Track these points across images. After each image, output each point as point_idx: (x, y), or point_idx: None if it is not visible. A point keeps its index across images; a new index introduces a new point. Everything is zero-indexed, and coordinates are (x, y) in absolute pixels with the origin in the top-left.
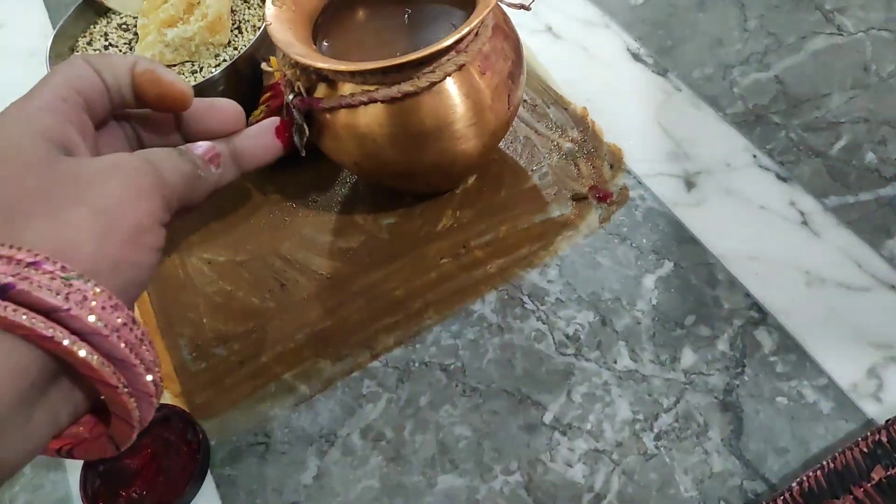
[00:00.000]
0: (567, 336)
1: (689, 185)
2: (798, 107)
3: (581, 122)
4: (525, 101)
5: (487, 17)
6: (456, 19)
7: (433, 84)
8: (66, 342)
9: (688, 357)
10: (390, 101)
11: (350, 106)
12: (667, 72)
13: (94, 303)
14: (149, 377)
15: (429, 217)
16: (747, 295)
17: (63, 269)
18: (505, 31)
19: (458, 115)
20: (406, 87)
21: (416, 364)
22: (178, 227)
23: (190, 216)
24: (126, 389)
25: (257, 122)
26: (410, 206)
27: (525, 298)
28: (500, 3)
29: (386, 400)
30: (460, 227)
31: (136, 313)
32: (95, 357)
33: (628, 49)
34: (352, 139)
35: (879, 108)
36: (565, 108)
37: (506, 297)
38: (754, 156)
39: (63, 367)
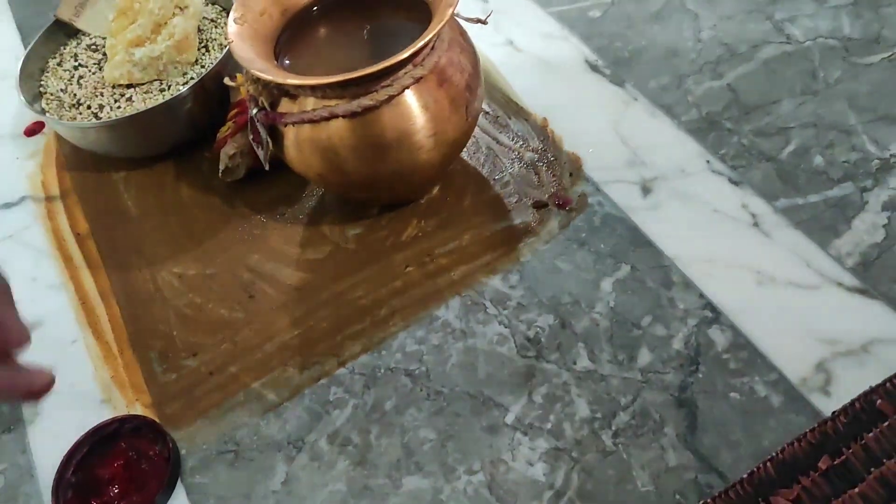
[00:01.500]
0: (528, 339)
1: (646, 190)
2: (749, 113)
3: (541, 132)
4: (487, 112)
5: (443, 31)
6: (414, 34)
7: (392, 97)
8: None
9: (644, 356)
10: (351, 114)
11: (312, 121)
12: (624, 82)
13: None
14: None
15: (394, 227)
16: (701, 296)
17: None
18: (461, 44)
19: (417, 127)
20: (365, 100)
21: (382, 370)
22: (148, 242)
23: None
24: None
25: (223, 137)
26: (376, 217)
27: (488, 304)
28: (456, 18)
29: (352, 406)
30: (425, 235)
31: (107, 327)
32: None
33: (587, 61)
34: (315, 152)
35: (827, 113)
36: (526, 119)
37: (469, 302)
38: (708, 161)
39: None
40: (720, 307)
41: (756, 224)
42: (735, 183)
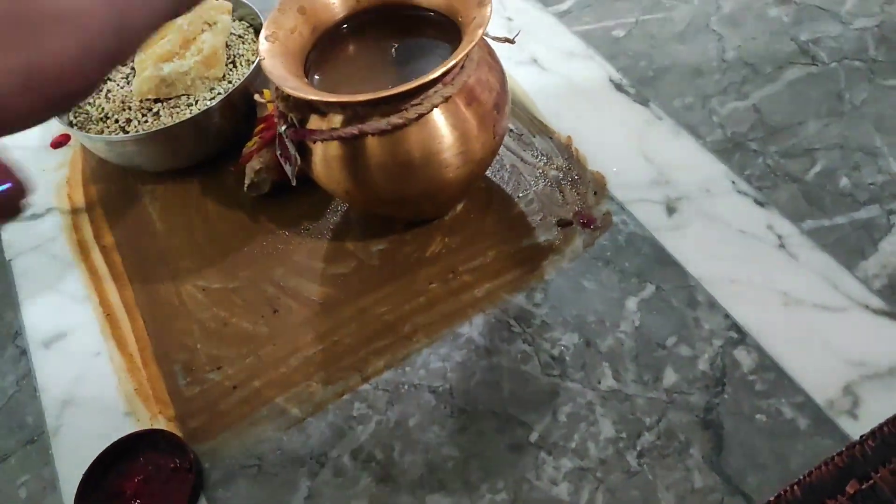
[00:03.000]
0: (552, 357)
1: (670, 210)
2: (775, 134)
3: (566, 150)
4: (511, 130)
5: (473, 51)
6: (442, 52)
7: (421, 115)
8: None
9: (669, 376)
10: (380, 132)
11: (341, 138)
12: (648, 101)
13: None
14: None
15: (418, 243)
16: (726, 316)
17: None
18: (490, 64)
19: (445, 145)
20: (395, 118)
21: (406, 386)
22: (173, 255)
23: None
24: None
25: (249, 152)
26: (401, 232)
27: (512, 321)
28: (485, 37)
29: (375, 422)
30: (449, 252)
31: (131, 340)
32: None
33: (611, 80)
34: (343, 169)
35: (853, 134)
36: (550, 137)
37: (493, 320)
38: (733, 182)
39: None
40: (746, 328)
41: (782, 245)
42: (761, 204)
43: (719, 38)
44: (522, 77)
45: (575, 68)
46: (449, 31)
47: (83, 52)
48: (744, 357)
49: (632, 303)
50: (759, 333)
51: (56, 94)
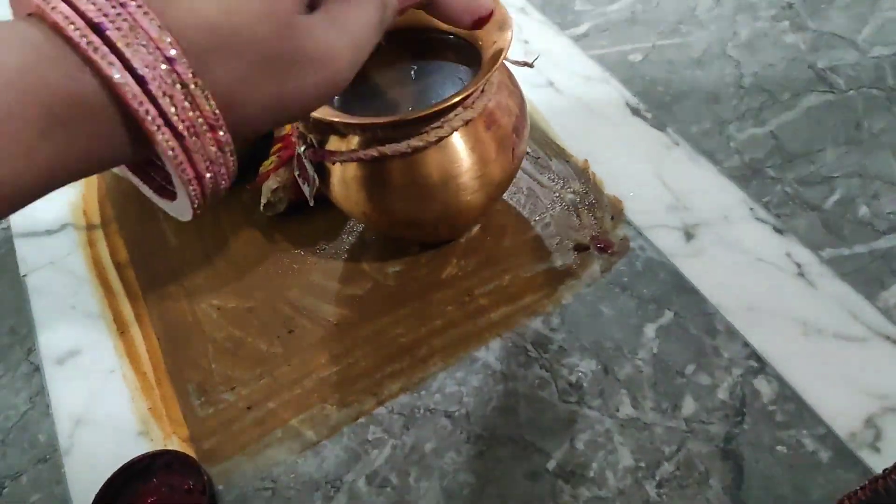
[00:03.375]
0: (570, 384)
1: (688, 236)
2: (793, 161)
3: (582, 174)
4: (528, 153)
5: (493, 75)
6: (462, 74)
7: (441, 139)
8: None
9: (689, 405)
10: (400, 155)
11: (361, 159)
12: (665, 126)
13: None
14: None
15: (434, 265)
16: (746, 344)
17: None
18: (509, 88)
19: (464, 168)
20: (415, 141)
21: (422, 410)
22: (188, 273)
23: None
24: (158, 123)
25: (266, 171)
26: (416, 254)
27: (528, 346)
28: (504, 61)
29: (391, 446)
30: (465, 275)
31: (145, 358)
32: (128, 82)
33: (628, 104)
34: (361, 190)
35: (872, 163)
36: (567, 161)
37: (510, 344)
38: (751, 209)
39: (92, 103)
40: (765, 357)
41: (801, 274)
42: (779, 231)
43: (736, 64)
44: (539, 100)
45: (591, 92)
46: (468, 54)
47: (324, 88)
48: (764, 387)
49: (650, 329)
50: (779, 363)
51: (285, 120)
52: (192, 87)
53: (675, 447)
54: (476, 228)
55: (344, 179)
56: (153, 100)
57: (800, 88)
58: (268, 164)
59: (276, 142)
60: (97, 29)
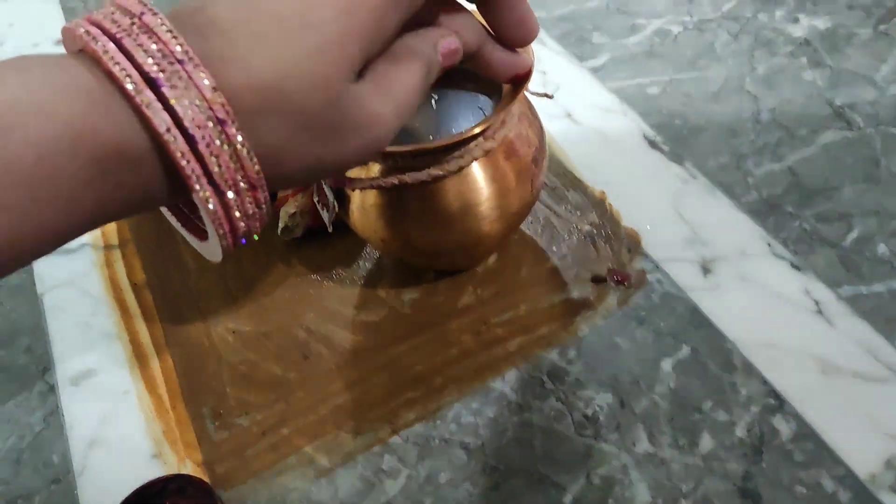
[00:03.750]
0: (586, 417)
1: (706, 270)
2: (811, 198)
3: (599, 205)
4: (545, 183)
5: (513, 106)
6: (481, 103)
7: (461, 168)
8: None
9: (706, 442)
10: (420, 183)
11: (381, 187)
12: (683, 160)
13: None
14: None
15: (450, 294)
16: (764, 382)
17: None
18: (529, 119)
19: (483, 198)
20: (435, 170)
21: (437, 441)
22: (204, 296)
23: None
24: (202, 181)
25: (284, 196)
26: (432, 282)
27: (545, 378)
28: (525, 92)
29: (406, 476)
30: (481, 304)
31: (160, 380)
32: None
33: (645, 136)
34: (380, 217)
35: (890, 202)
36: (584, 192)
37: (526, 376)
38: (769, 244)
39: (135, 154)
40: (784, 395)
41: (819, 311)
42: (797, 268)
43: (754, 99)
44: (556, 130)
45: (609, 124)
46: (488, 84)
47: (364, 151)
48: (782, 425)
49: (667, 364)
50: (798, 401)
51: (321, 177)
52: (239, 147)
53: (693, 484)
54: (493, 257)
55: (363, 206)
56: (199, 158)
57: (818, 125)
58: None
59: None
60: (152, 84)
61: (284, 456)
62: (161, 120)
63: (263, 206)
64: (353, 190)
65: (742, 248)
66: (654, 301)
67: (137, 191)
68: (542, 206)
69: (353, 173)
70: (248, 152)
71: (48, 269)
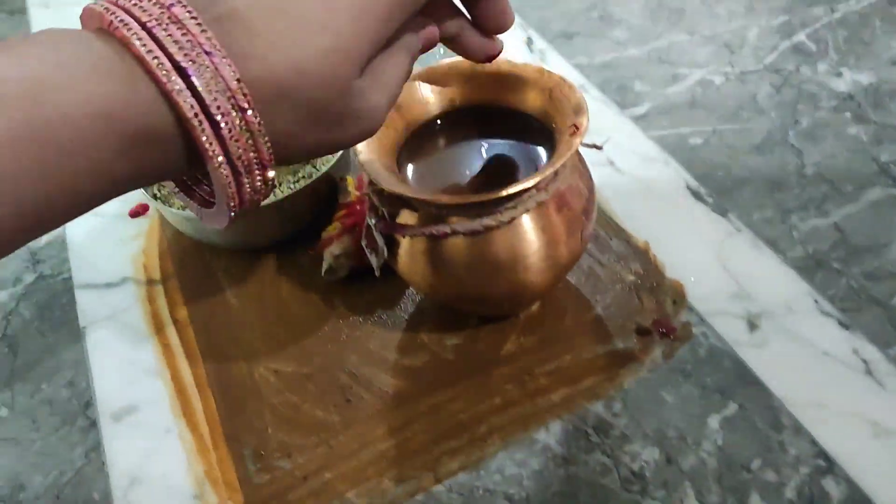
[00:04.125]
0: (633, 472)
1: (752, 326)
2: (858, 255)
3: (643, 255)
4: None
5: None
6: (533, 155)
7: (513, 219)
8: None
9: (755, 503)
10: (472, 233)
11: (432, 235)
12: (727, 212)
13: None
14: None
15: (493, 340)
16: (813, 442)
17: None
18: (580, 170)
19: (533, 249)
20: (488, 220)
21: (481, 491)
22: (246, 335)
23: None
24: (222, 162)
25: (329, 237)
26: (475, 328)
27: (590, 430)
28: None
29: None
30: (524, 352)
31: (202, 419)
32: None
33: (688, 187)
34: (429, 265)
35: None
36: (627, 241)
37: (570, 427)
38: (816, 301)
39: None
40: (834, 457)
41: (869, 371)
42: (845, 326)
43: (798, 152)
44: (599, 179)
45: (652, 173)
46: (541, 134)
47: (360, 137)
48: (833, 488)
49: (714, 420)
50: (849, 463)
51: (317, 157)
52: (257, 133)
53: None
54: (536, 305)
55: (412, 252)
56: (221, 141)
57: (863, 181)
58: (331, 229)
59: (341, 208)
60: (182, 72)
61: (326, 502)
62: (190, 106)
63: (270, 183)
64: (405, 236)
65: (788, 303)
66: (699, 355)
67: (159, 164)
68: (586, 254)
69: (403, 219)
70: (264, 137)
71: (90, 303)
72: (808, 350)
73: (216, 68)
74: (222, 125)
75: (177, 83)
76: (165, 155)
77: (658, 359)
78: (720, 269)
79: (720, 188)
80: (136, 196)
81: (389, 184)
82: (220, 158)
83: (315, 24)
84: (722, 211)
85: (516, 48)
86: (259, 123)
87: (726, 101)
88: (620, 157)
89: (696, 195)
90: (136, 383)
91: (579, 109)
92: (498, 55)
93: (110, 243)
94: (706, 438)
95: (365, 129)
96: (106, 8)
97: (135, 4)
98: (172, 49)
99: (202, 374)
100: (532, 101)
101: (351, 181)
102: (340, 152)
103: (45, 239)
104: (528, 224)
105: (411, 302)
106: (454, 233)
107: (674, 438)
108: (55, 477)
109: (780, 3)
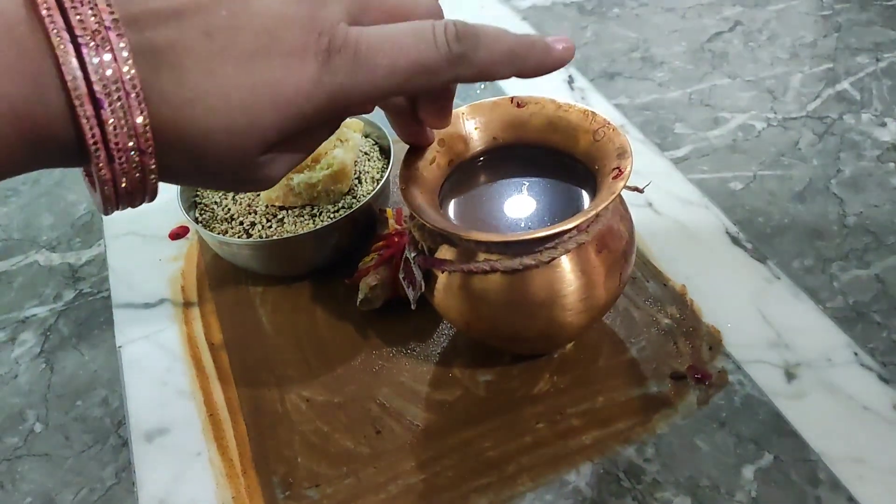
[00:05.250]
0: None
1: (790, 375)
2: None
3: (679, 299)
4: None
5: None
6: (573, 195)
7: (553, 259)
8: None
9: None
10: (511, 271)
11: (472, 272)
12: (766, 259)
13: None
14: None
15: (526, 379)
16: (850, 499)
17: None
18: (621, 212)
19: (571, 289)
20: (528, 260)
21: None
22: (279, 361)
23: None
24: (108, 191)
25: (366, 268)
26: (508, 365)
27: (621, 475)
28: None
29: None
30: (557, 392)
31: (232, 444)
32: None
33: (727, 232)
34: (466, 301)
35: None
36: (664, 284)
37: (601, 471)
38: (855, 353)
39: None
40: None
41: None
42: (885, 381)
43: (840, 201)
44: (637, 220)
45: (690, 216)
46: (582, 175)
47: (247, 191)
48: None
49: (748, 471)
50: None
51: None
52: (147, 169)
53: None
54: (570, 345)
55: (449, 287)
56: (113, 171)
57: None
58: (368, 260)
59: (379, 239)
60: (95, 101)
61: None
62: (91, 135)
63: (146, 198)
64: (443, 272)
65: (827, 355)
66: (735, 403)
67: (55, 158)
68: (622, 296)
69: (442, 254)
70: (153, 175)
71: (128, 322)
72: (846, 403)
73: (129, 108)
74: (117, 159)
75: (87, 110)
76: (62, 153)
77: (692, 405)
78: (758, 316)
79: (760, 234)
80: (177, 217)
81: (431, 220)
82: (108, 182)
83: (237, 98)
84: (761, 257)
85: (557, 87)
86: (152, 165)
87: (768, 147)
88: (659, 199)
89: (735, 240)
90: (168, 405)
91: (623, 153)
92: (428, 145)
93: (150, 264)
94: (740, 489)
95: (253, 190)
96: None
97: (74, 8)
98: (93, 77)
99: (234, 398)
100: (576, 142)
101: (390, 213)
102: (381, 184)
103: (85, 257)
104: (567, 265)
105: (445, 336)
106: (493, 270)
107: (707, 487)
108: (85, 495)
109: (825, 50)
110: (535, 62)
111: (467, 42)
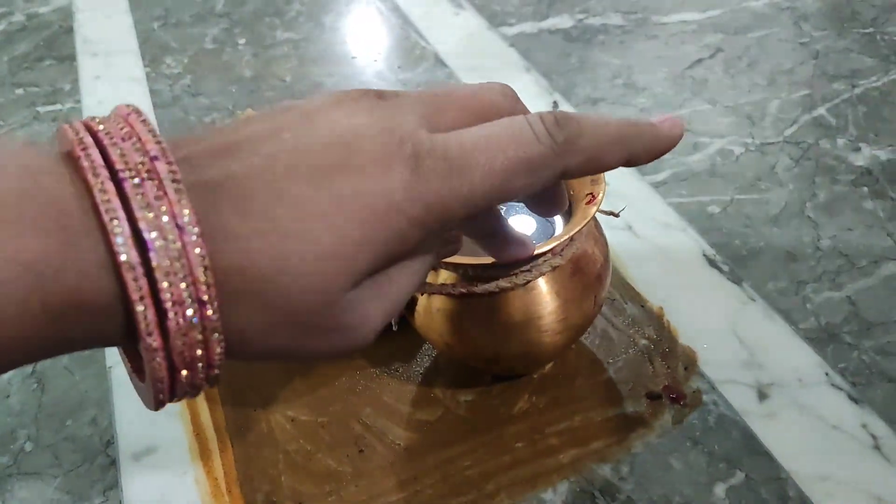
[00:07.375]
0: None
1: (762, 395)
2: (870, 329)
3: (657, 320)
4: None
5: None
6: (548, 219)
7: (528, 282)
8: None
9: None
10: (488, 294)
11: (450, 294)
12: (741, 281)
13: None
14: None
15: (505, 398)
16: None
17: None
18: (596, 236)
19: (546, 311)
20: (504, 282)
21: None
22: (265, 381)
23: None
24: (157, 361)
25: None
26: (488, 385)
27: (596, 493)
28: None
29: None
30: (536, 412)
31: (218, 463)
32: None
33: (704, 254)
34: (445, 322)
35: None
36: (642, 306)
37: (577, 489)
38: (826, 374)
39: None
40: None
41: (877, 447)
42: (855, 400)
43: (815, 225)
44: (617, 243)
45: (669, 240)
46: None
47: (339, 352)
48: None
49: (720, 489)
50: None
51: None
52: (210, 330)
53: None
54: (549, 365)
55: (429, 309)
56: (165, 335)
57: (878, 256)
58: None
59: None
60: (141, 243)
61: None
62: (137, 287)
63: (213, 378)
64: (422, 294)
65: (799, 375)
66: (709, 423)
67: (89, 335)
68: (600, 317)
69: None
70: (219, 335)
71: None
72: (817, 422)
73: (184, 248)
74: (170, 315)
75: (130, 255)
76: (97, 326)
77: (667, 424)
78: (733, 337)
79: (736, 257)
80: None
81: None
82: (159, 352)
83: (318, 217)
84: (737, 279)
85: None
86: (217, 321)
87: (745, 172)
88: (639, 222)
89: (712, 263)
90: (156, 424)
91: (596, 179)
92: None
93: None
94: None
95: (350, 346)
96: (80, 139)
97: (114, 143)
98: (139, 213)
99: (221, 418)
100: None
101: None
102: None
103: None
104: (542, 287)
105: (427, 357)
106: (470, 293)
107: None
108: None
109: (802, 77)
110: (644, 144)
111: (569, 128)
